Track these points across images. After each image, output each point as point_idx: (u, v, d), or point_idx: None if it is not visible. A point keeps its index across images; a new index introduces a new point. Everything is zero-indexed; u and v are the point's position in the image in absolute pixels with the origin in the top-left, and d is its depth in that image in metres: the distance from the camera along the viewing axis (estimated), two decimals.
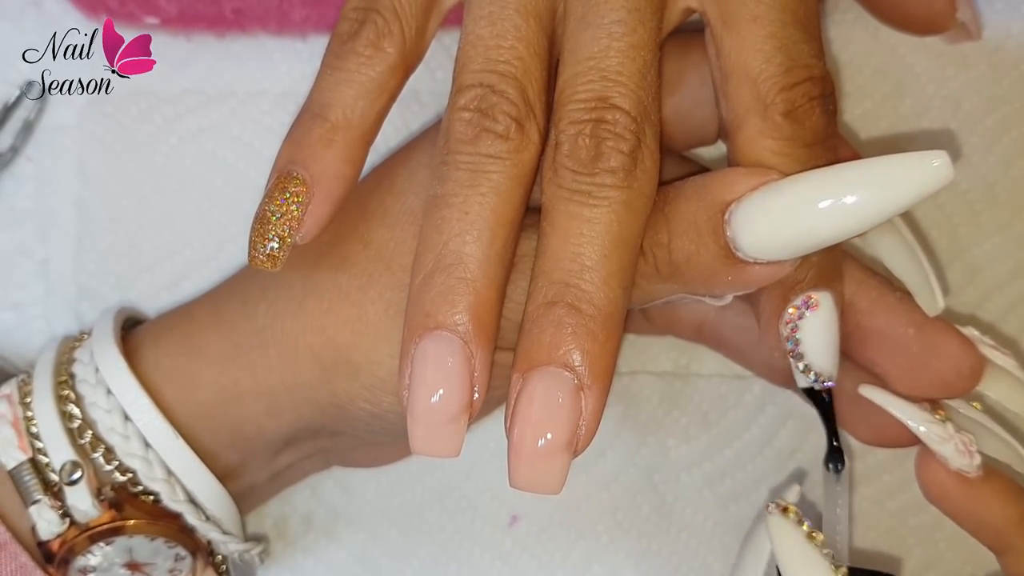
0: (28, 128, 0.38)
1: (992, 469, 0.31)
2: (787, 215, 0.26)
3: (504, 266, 0.27)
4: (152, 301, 0.38)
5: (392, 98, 0.29)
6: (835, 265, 0.29)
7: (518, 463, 0.26)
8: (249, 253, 0.28)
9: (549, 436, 0.25)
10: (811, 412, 0.36)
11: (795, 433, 0.37)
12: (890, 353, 0.31)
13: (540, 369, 0.26)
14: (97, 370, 0.32)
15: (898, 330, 0.31)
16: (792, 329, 0.29)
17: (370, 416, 0.31)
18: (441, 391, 0.26)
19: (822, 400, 0.32)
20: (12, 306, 0.38)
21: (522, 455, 0.26)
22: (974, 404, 0.32)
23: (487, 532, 0.38)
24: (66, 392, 0.32)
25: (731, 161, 0.29)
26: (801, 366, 0.29)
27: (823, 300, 0.29)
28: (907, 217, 0.36)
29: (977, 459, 0.30)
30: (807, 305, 0.29)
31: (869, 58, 0.37)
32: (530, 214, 0.28)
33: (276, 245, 0.28)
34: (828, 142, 0.28)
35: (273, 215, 0.28)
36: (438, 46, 0.30)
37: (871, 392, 0.31)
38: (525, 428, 0.26)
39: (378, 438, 0.34)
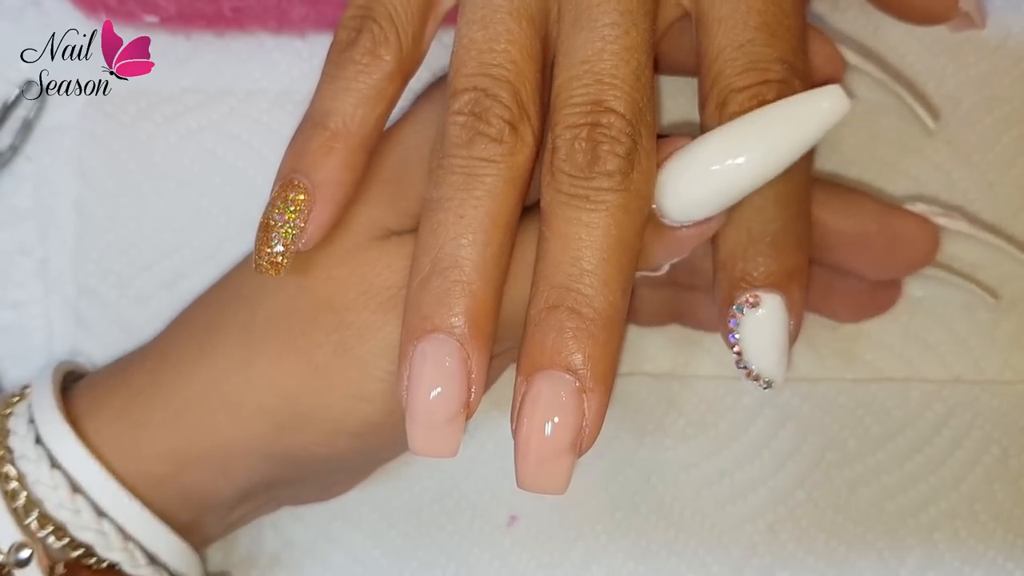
0: (27, 127, 0.38)
1: None
2: (702, 172, 0.27)
3: (500, 268, 0.27)
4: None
5: (391, 104, 0.29)
6: (789, 269, 0.28)
7: (524, 464, 0.26)
8: (254, 260, 0.28)
9: (554, 438, 0.26)
10: (810, 414, 0.37)
11: (793, 435, 0.37)
12: (858, 251, 0.33)
13: (543, 372, 0.26)
14: (37, 442, 0.31)
15: (862, 230, 0.32)
16: (733, 325, 0.29)
17: (326, 459, 0.31)
18: (439, 389, 0.26)
19: None
20: (11, 305, 0.39)
21: (528, 457, 0.26)
22: None
23: (486, 532, 0.38)
24: (5, 469, 0.31)
25: None
26: (741, 366, 0.29)
27: (768, 300, 0.28)
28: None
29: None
30: (749, 303, 0.28)
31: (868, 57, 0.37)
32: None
33: (280, 252, 0.28)
34: None
35: (276, 223, 0.28)
36: (438, 45, 0.31)
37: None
38: (531, 430, 0.26)
39: (336, 477, 0.34)
